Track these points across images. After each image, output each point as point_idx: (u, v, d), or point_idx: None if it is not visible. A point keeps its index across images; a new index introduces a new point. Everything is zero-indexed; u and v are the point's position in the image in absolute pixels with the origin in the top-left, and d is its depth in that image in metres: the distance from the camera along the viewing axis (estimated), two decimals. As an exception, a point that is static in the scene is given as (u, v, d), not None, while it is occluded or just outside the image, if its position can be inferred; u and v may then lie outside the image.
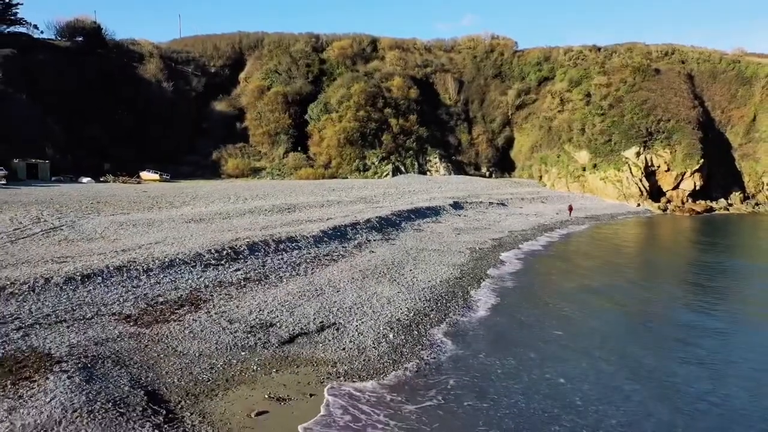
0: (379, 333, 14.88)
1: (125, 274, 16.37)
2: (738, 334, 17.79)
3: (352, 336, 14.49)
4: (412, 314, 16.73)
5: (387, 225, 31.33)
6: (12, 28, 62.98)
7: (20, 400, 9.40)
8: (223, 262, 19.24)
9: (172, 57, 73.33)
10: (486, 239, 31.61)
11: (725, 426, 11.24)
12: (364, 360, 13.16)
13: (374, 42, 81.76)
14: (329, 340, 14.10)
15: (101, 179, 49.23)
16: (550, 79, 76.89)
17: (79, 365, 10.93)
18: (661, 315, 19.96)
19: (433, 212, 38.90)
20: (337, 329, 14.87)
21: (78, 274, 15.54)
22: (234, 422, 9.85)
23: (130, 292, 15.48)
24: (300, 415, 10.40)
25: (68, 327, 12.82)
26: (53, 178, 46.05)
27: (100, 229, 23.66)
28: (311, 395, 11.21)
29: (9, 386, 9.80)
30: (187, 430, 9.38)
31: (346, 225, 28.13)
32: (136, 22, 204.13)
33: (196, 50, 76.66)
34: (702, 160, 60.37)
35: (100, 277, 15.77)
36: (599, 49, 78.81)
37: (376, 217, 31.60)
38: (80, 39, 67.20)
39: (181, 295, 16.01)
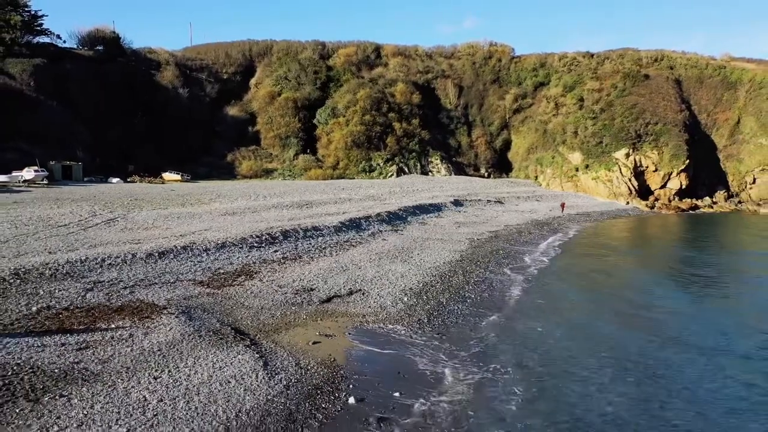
0: (396, 297, 18.71)
1: (190, 252, 20.27)
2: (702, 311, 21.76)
3: (375, 299, 18.34)
4: (421, 285, 20.55)
5: (395, 218, 35.21)
6: (38, 38, 67.10)
7: (148, 329, 13.26)
8: (263, 245, 23.13)
9: (187, 64, 77.46)
10: (484, 231, 35.46)
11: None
12: (386, 314, 17.00)
13: (378, 49, 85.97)
14: (358, 301, 17.96)
15: (128, 180, 53.17)
16: (545, 84, 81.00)
17: (179, 311, 14.79)
18: (623, 286, 23.86)
19: (436, 208, 42.78)
20: (363, 294, 18.72)
21: (155, 251, 19.43)
22: (298, 347, 13.69)
23: (197, 265, 19.37)
24: (344, 344, 14.26)
25: (160, 287, 16.70)
26: (85, 179, 49.93)
27: (151, 220, 27.53)
28: (350, 334, 15.08)
29: (137, 321, 13.67)
30: (267, 349, 13.21)
31: (360, 218, 32.02)
32: (147, 27, 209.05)
33: (209, 57, 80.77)
34: (688, 160, 64.33)
35: (171, 254, 19.66)
36: (592, 55, 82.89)
37: (386, 211, 35.49)
38: (100, 48, 71.51)
39: (236, 268, 19.92)
